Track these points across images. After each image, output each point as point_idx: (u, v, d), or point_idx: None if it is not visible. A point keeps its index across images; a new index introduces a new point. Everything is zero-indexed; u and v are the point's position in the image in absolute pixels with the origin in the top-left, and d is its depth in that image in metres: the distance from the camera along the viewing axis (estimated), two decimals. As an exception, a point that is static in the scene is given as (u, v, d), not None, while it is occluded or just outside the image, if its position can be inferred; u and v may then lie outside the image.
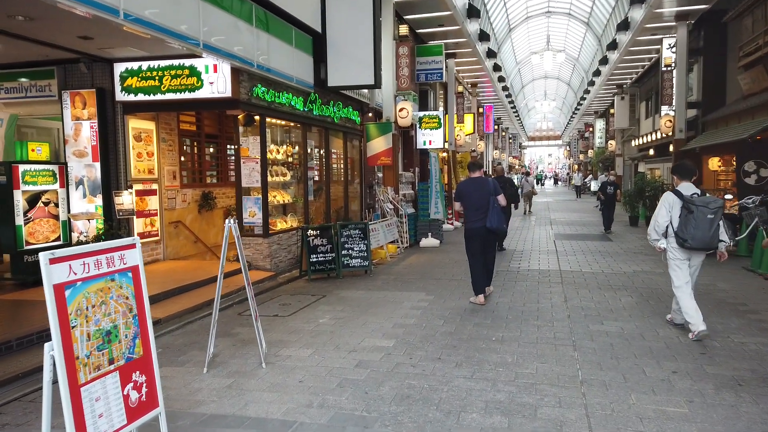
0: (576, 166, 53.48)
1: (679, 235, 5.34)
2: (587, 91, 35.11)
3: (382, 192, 12.46)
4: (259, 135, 8.51)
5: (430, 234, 13.02)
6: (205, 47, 6.54)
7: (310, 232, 8.79)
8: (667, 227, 5.49)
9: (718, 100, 16.93)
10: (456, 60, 21.82)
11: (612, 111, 31.69)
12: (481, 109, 30.50)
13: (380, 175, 13.74)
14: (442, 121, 18.45)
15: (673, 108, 16.88)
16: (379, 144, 12.76)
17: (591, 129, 43.33)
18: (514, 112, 44.05)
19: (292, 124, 10.02)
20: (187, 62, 7.72)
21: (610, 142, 33.40)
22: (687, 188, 5.49)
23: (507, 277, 8.79)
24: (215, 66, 7.63)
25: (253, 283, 7.90)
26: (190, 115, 9.87)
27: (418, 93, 18.89)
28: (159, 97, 7.85)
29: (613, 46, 23.13)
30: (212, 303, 4.92)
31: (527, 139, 77.05)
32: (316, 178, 11.41)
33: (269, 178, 9.13)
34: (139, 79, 7.88)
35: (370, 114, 13.29)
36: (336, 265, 8.88)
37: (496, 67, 27.69)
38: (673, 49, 17.30)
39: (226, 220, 4.60)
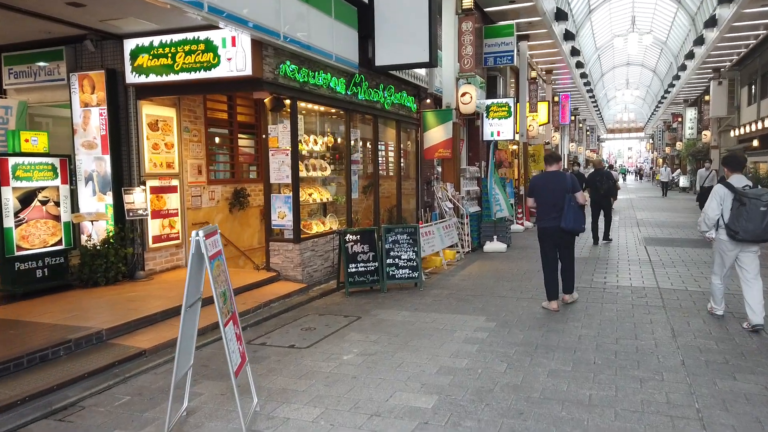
0: (661, 160, 49.30)
1: (731, 227, 5.41)
2: (677, 77, 31.73)
3: (440, 189, 10.92)
4: (290, 122, 7.22)
5: (495, 237, 11.35)
6: (211, 10, 5.29)
7: (348, 236, 7.42)
8: (718, 219, 5.59)
9: None
10: (529, 43, 19.80)
11: (707, 98, 28.35)
12: (556, 98, 28.12)
13: (440, 169, 12.21)
14: (512, 109, 16.60)
15: (792, 90, 14.21)
16: (437, 134, 11.23)
17: (680, 119, 39.53)
18: (592, 102, 40.92)
19: (333, 110, 8.69)
20: (203, 35, 6.53)
21: (703, 132, 29.99)
22: (738, 180, 5.58)
23: (591, 296, 7.05)
24: (233, 39, 6.39)
25: (280, 298, 6.64)
26: (220, 101, 8.75)
27: (486, 79, 17.13)
28: (172, 77, 6.72)
29: (711, 22, 20.25)
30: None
31: (606, 132, 72.46)
32: (364, 173, 10.04)
33: (304, 173, 7.85)
34: (151, 57, 6.78)
35: (428, 100, 11.76)
36: (379, 276, 7.47)
37: (574, 51, 25.27)
38: (792, 21, 14.59)
39: (193, 232, 3.30)
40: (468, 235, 11.14)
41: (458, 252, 10.27)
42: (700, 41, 23.28)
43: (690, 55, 26.41)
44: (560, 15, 19.23)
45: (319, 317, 6.18)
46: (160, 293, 6.48)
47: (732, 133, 25.22)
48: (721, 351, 4.87)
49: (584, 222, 6.83)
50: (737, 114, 25.60)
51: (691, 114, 34.86)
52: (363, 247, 7.43)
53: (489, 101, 16.67)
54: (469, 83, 11.19)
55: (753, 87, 22.96)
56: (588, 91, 35.51)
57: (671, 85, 34.77)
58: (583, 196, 6.97)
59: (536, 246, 7.19)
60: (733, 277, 7.63)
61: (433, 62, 8.73)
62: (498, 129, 16.72)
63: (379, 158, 10.36)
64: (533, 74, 20.13)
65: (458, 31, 11.58)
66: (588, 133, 55.17)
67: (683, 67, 29.03)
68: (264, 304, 6.39)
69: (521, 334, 5.45)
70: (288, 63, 6.95)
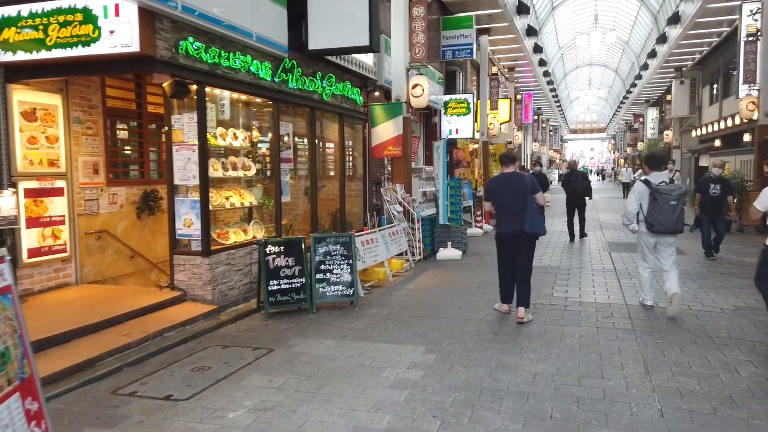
0: (623, 161, 49.50)
1: (648, 220, 5.98)
2: (639, 77, 31.51)
3: (388, 191, 9.87)
4: (197, 111, 6.04)
5: (449, 243, 10.36)
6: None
7: (270, 248, 6.28)
8: (638, 213, 6.13)
9: (815, 78, 13.65)
10: (490, 37, 18.98)
11: (668, 98, 28.13)
12: (519, 96, 27.47)
13: (391, 169, 11.17)
14: (471, 106, 15.73)
15: (757, 87, 13.69)
16: (386, 130, 10.19)
17: (641, 119, 39.53)
18: (555, 102, 40.63)
19: (258, 100, 7.54)
20: (80, 2, 5.29)
21: (665, 132, 29.81)
22: (656, 177, 6.07)
23: (550, 316, 6.08)
24: (116, 6, 5.18)
25: (178, 325, 5.46)
26: (124, 87, 7.47)
27: (445, 74, 16.20)
28: (45, 55, 5.46)
29: (675, 19, 19.79)
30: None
31: (569, 132, 72.91)
32: (302, 173, 8.91)
33: (220, 173, 6.68)
34: (18, 30, 5.51)
35: (377, 93, 10.71)
36: (307, 294, 6.36)
37: (537, 48, 24.60)
38: (756, 16, 14.08)
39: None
40: (420, 241, 10.12)
41: (407, 261, 9.24)
42: (662, 39, 22.88)
43: (652, 54, 26.08)
44: (522, 8, 18.44)
45: (222, 351, 5.03)
46: (40, 313, 5.30)
47: (693, 133, 24.97)
48: (706, 394, 3.94)
49: (544, 225, 5.95)
50: (699, 114, 25.39)
51: (652, 114, 34.79)
52: (287, 260, 6.30)
53: (447, 97, 15.75)
54: (421, 74, 10.18)
55: (715, 86, 22.69)
56: (551, 90, 35.11)
57: (633, 85, 34.61)
58: (543, 198, 6.09)
59: (494, 252, 6.33)
60: (710, 289, 6.83)
61: (374, 47, 7.67)
62: (457, 126, 15.81)
63: (319, 156, 9.25)
64: (494, 70, 19.31)
65: (409, 16, 10.55)
66: (551, 133, 55.14)
67: (645, 67, 28.76)
68: (156, 333, 5.20)
69: (464, 372, 4.41)
70: (191, 40, 5.76)
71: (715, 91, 22.69)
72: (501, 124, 20.09)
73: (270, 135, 7.71)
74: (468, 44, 15.63)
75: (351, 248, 6.64)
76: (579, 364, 4.58)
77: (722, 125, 19.70)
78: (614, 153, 65.23)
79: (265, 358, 4.79)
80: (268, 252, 6.23)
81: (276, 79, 7.28)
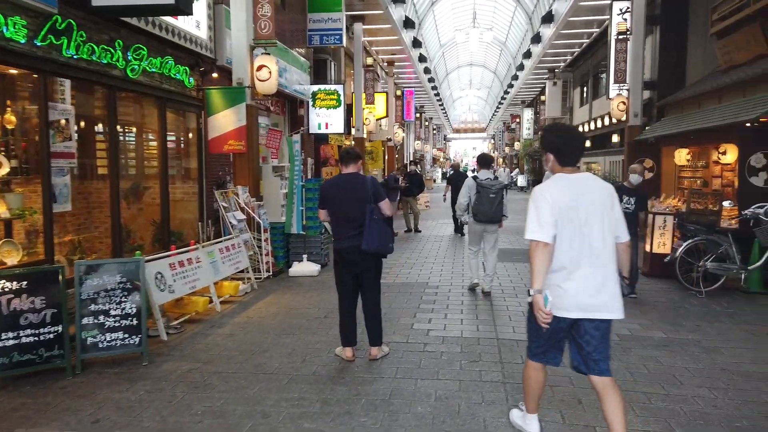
0: (501, 160, 50.99)
1: (474, 210, 6.86)
2: (515, 77, 32.05)
3: (223, 196, 8.05)
4: None
5: (305, 256, 8.77)
6: None
7: (5, 284, 4.28)
8: (468, 205, 6.94)
9: (677, 81, 13.77)
10: (366, 26, 17.65)
11: (543, 98, 28.70)
12: (399, 92, 26.55)
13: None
14: (343, 98, 14.26)
15: (627, 87, 13.55)
16: (226, 120, 8.36)
17: (518, 120, 40.64)
18: (438, 101, 40.58)
19: (14, 71, 5.43)
20: None
21: (540, 132, 30.47)
22: (484, 174, 7.09)
23: (405, 360, 4.68)
24: None
25: None
26: None
27: (313, 62, 14.57)
28: None
29: (548, 18, 19.76)
30: None
31: (452, 131, 74.54)
32: (102, 172, 6.83)
33: (-66, 173, 4.53)
34: None
35: (215, 75, 8.83)
36: (66, 348, 4.44)
37: (416, 43, 23.77)
38: (626, 15, 13.96)
39: None
40: (270, 254, 8.43)
41: (248, 281, 7.51)
42: (537, 39, 22.97)
43: (528, 55, 26.33)
44: (397, -5, 17.32)
45: None
46: None
47: (566, 134, 25.52)
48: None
49: (392, 241, 4.54)
50: (570, 115, 26.01)
51: (528, 114, 35.72)
52: (32, 301, 4.33)
53: (316, 87, 14.15)
54: (269, 54, 8.47)
55: (585, 88, 23.19)
56: (433, 88, 34.79)
57: (510, 86, 35.29)
58: (390, 207, 4.68)
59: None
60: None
61: (183, 7, 5.85)
62: (327, 120, 14.28)
63: (123, 150, 7.24)
64: (369, 61, 17.99)
65: (253, -17, 8.75)
66: (434, 131, 55.63)
67: (521, 67, 29.14)
68: None
69: (253, 491, 2.83)
70: None
71: (585, 93, 23.20)
72: (378, 119, 18.86)
73: (38, 119, 5.61)
74: (337, 29, 14.13)
75: (139, 278, 4.80)
76: (429, 455, 3.17)
77: (592, 126, 19.99)
78: (494, 152, 67.56)
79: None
80: (2, 290, 4.23)
81: (38, 43, 5.22)
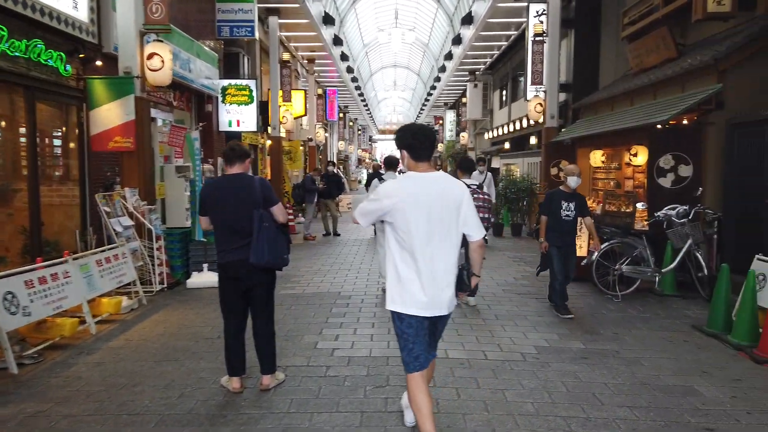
0: (426, 161, 51.22)
1: None
2: (437, 79, 32.19)
3: (107, 199, 7.09)
4: None
5: (206, 265, 7.95)
6: None
7: None
8: None
9: (591, 83, 14.01)
10: (282, 20, 16.85)
11: (464, 100, 28.93)
12: (321, 91, 25.85)
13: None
14: (255, 94, 13.44)
15: (544, 88, 13.62)
16: (111, 114, 7.44)
17: (441, 122, 40.97)
18: (362, 101, 40.17)
19: None
20: None
21: (461, 134, 30.75)
22: (390, 175, 7.20)
23: (300, 392, 4.06)
24: None
25: None
26: None
27: (224, 56, 13.63)
28: None
29: (468, 20, 19.78)
30: None
31: (378, 132, 74.51)
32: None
33: None
34: None
35: (100, 63, 7.83)
36: None
37: (337, 41, 23.19)
38: (542, 18, 14.05)
39: None
40: (164, 264, 7.56)
41: (135, 296, 6.63)
42: (458, 41, 23.03)
43: (449, 56, 26.42)
44: (315, -11, 16.65)
45: None
46: None
47: (486, 136, 25.81)
48: None
49: (287, 251, 3.92)
50: (490, 117, 26.33)
51: (450, 116, 36.00)
52: None
53: (225, 82, 13.24)
54: (161, 41, 7.59)
55: (504, 90, 23.48)
56: (357, 88, 34.32)
57: (433, 88, 35.46)
58: (284, 213, 4.07)
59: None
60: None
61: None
62: (238, 117, 13.40)
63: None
64: (286, 56, 17.20)
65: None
66: (359, 132, 55.24)
67: (443, 69, 29.26)
68: None
69: None
70: None
71: (504, 95, 23.49)
72: (296, 118, 18.08)
73: None
74: (248, 21, 13.32)
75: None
76: None
77: (511, 128, 20.20)
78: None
79: None
80: None
81: None
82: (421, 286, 2.91)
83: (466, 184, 6.26)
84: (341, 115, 36.49)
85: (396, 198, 2.94)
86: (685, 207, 7.13)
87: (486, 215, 6.05)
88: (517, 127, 19.03)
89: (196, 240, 8.14)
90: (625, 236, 7.00)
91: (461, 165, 6.74)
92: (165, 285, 7.44)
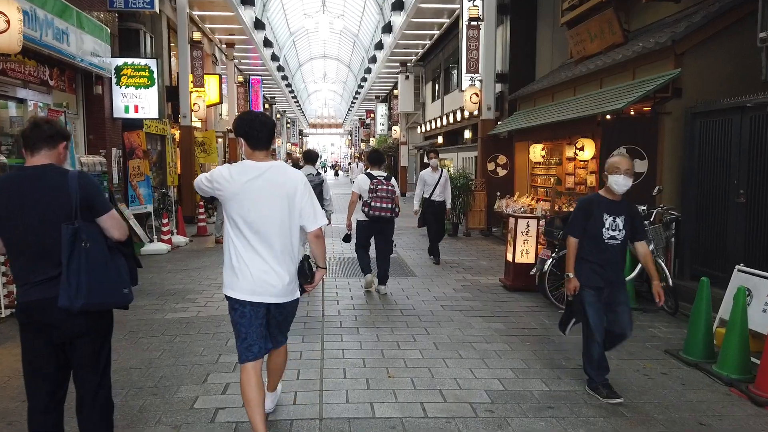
0: (357, 156, 50.11)
1: (367, 206, 6.31)
2: (368, 71, 31.00)
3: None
4: None
5: None
6: None
7: None
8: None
9: (528, 73, 13.23)
10: (192, -3, 15.08)
11: (396, 93, 27.88)
12: (241, 78, 23.98)
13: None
14: (156, 76, 11.66)
15: (480, 77, 12.68)
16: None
17: (372, 115, 39.85)
18: (290, 92, 38.35)
19: None
20: None
21: (393, 128, 29.71)
22: (306, 169, 6.88)
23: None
24: None
25: None
26: None
27: (118, 31, 11.76)
28: None
29: (399, 5, 18.67)
30: None
31: (309, 126, 72.55)
32: None
33: None
34: None
35: None
36: None
37: (259, 24, 21.46)
38: (476, 2, 13.10)
39: None
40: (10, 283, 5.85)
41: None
42: (388, 28, 21.91)
43: (379, 45, 25.28)
44: (229, -37, 14.96)
45: None
46: None
47: (419, 130, 24.89)
48: None
49: (128, 282, 2.63)
50: (423, 110, 25.43)
51: (382, 110, 34.94)
52: None
53: (120, 60, 11.39)
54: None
55: (437, 83, 22.59)
56: (283, 78, 32.53)
57: (364, 80, 34.25)
58: (120, 225, 2.68)
59: (157, 292, 4.22)
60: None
61: None
62: (136, 102, 11.57)
63: None
64: (197, 36, 15.38)
65: None
66: (289, 125, 53.19)
67: (374, 59, 28.10)
68: None
69: None
70: None
71: (437, 88, 22.61)
72: (209, 105, 16.29)
73: None
74: (147, -9, 11.49)
75: None
76: None
77: (444, 122, 19.30)
78: (351, 148, 66.68)
79: None
80: None
81: None
82: (250, 273, 2.93)
83: (373, 176, 6.30)
84: (267, 106, 34.54)
85: (226, 184, 2.95)
86: (642, 207, 6.27)
87: (389, 205, 6.23)
88: (451, 120, 18.15)
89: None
90: (582, 241, 6.01)
91: (370, 158, 6.94)
92: (11, 312, 5.75)
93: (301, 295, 3.15)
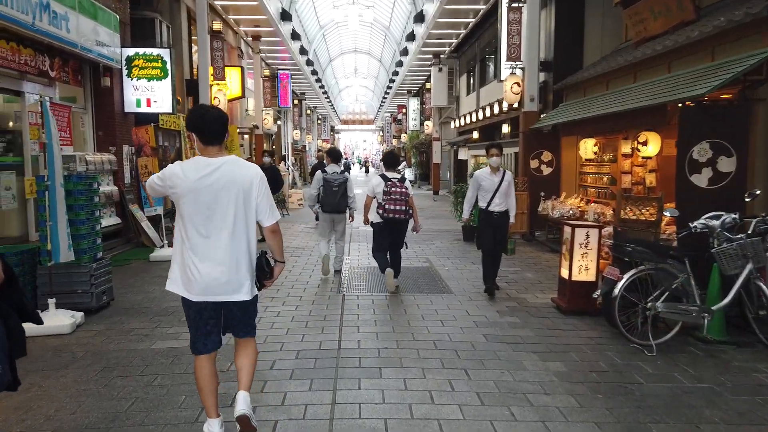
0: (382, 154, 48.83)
1: (321, 202, 7.35)
2: (400, 64, 29.87)
3: None
4: None
5: (53, 300, 5.45)
6: None
7: None
8: (318, 196, 7.44)
9: (575, 60, 11.95)
10: (214, -15, 14.27)
11: (428, 86, 26.69)
12: (267, 73, 23.20)
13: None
14: (170, 67, 10.86)
15: (522, 65, 11.47)
16: None
17: (404, 110, 38.72)
18: (321, 88, 37.48)
19: None
20: None
21: (425, 123, 28.53)
22: (332, 168, 7.41)
23: None
24: None
25: None
26: None
27: (130, 19, 11.00)
28: None
29: (432, -8, 17.52)
30: None
31: (340, 123, 71.80)
32: None
33: None
34: None
35: None
36: None
37: (285, 15, 20.61)
38: (519, -18, 11.88)
39: None
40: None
41: None
42: (420, 18, 20.79)
43: (411, 37, 24.16)
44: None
45: None
46: None
47: (452, 125, 23.69)
48: None
49: (6, 358, 1.51)
50: (456, 104, 24.21)
51: (414, 105, 33.76)
52: None
53: (131, 50, 10.63)
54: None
55: (471, 75, 21.34)
56: (313, 73, 31.70)
57: (395, 74, 33.15)
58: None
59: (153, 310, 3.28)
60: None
61: None
62: (149, 95, 10.79)
63: None
64: (217, 26, 14.56)
65: None
66: (320, 122, 52.43)
67: (405, 52, 27.00)
68: None
69: None
70: None
71: (471, 80, 21.37)
72: (230, 100, 15.47)
73: None
74: (160, -24, 10.68)
75: None
76: None
77: (480, 115, 18.07)
78: (383, 145, 65.44)
79: None
80: None
81: None
82: (198, 271, 2.87)
83: (387, 178, 6.53)
84: (296, 101, 33.81)
85: (178, 182, 2.88)
86: (733, 215, 5.05)
87: (402, 207, 6.37)
88: (487, 113, 16.89)
89: (49, 262, 5.63)
90: (662, 259, 4.84)
91: (385, 160, 7.15)
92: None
93: (259, 291, 3.07)
